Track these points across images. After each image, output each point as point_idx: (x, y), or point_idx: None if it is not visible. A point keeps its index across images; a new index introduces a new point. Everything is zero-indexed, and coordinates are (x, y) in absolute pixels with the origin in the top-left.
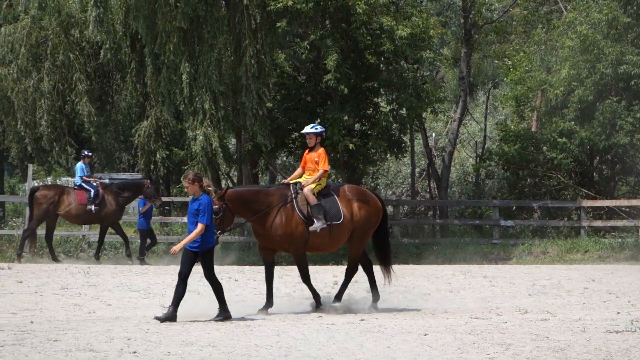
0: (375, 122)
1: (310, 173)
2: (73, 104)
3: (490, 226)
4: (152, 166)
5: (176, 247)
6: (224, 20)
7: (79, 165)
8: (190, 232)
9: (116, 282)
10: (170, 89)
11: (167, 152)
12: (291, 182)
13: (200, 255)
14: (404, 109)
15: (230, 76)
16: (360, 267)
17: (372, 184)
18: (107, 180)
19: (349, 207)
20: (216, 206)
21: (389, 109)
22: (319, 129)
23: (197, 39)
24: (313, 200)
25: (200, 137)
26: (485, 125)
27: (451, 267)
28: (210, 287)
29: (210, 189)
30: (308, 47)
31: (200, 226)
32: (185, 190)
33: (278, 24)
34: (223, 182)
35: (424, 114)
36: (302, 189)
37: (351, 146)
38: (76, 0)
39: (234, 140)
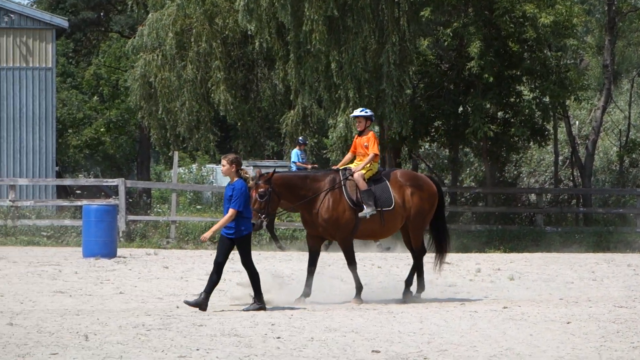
0: (518, 110)
1: (360, 158)
2: (210, 92)
3: (634, 215)
4: None
5: (206, 234)
6: (368, 9)
7: (295, 151)
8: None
9: (260, 268)
10: (315, 77)
11: (315, 140)
12: (340, 167)
13: (237, 242)
14: (547, 97)
15: (373, 64)
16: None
17: (515, 172)
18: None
19: (400, 192)
20: (262, 189)
21: (531, 97)
22: (369, 112)
23: (342, 27)
24: (363, 185)
25: (341, 125)
26: (630, 113)
27: (594, 256)
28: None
29: (247, 175)
30: (451, 34)
31: (230, 212)
32: (221, 171)
33: (422, 12)
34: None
35: (567, 102)
36: (351, 175)
37: (490, 133)
38: None
39: (376, 128)
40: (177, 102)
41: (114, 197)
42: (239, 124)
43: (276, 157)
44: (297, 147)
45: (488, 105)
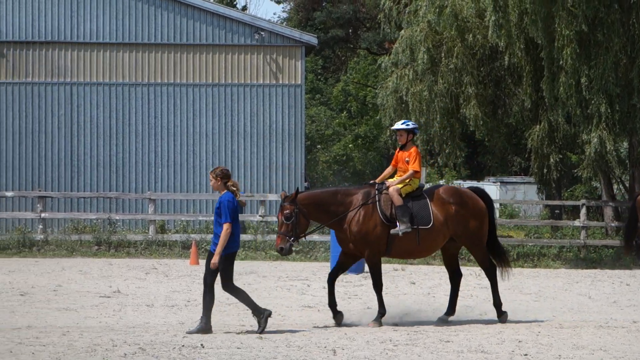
0: None
1: (400, 174)
2: (462, 107)
3: None
4: (545, 170)
5: (215, 259)
6: (618, 23)
7: None
8: (215, 233)
9: (508, 285)
10: (567, 93)
11: (560, 156)
12: (377, 181)
13: (220, 259)
14: None
15: (624, 79)
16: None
17: None
18: None
19: (443, 210)
20: (287, 210)
21: None
22: (411, 125)
23: (592, 42)
24: (398, 200)
25: (595, 140)
26: None
27: None
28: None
29: (234, 189)
30: None
31: (224, 227)
32: (211, 185)
33: None
34: (615, 187)
35: None
36: (386, 188)
37: None
38: (472, 6)
39: (625, 144)
40: (428, 116)
41: None
42: (487, 140)
43: (523, 172)
44: None
45: None
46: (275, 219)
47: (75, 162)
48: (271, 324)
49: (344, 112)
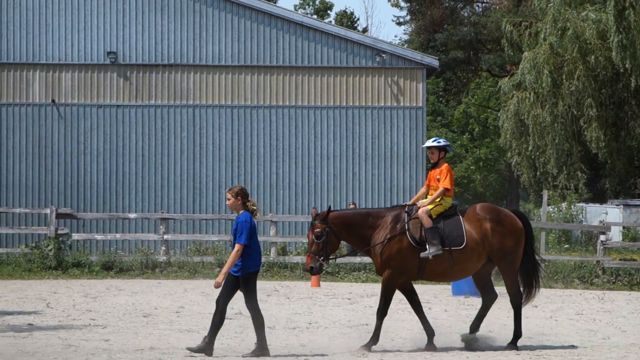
0: None
1: (432, 192)
2: (583, 130)
3: None
4: None
5: (219, 278)
6: None
7: None
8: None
9: (631, 309)
10: None
11: None
12: (410, 203)
13: (242, 280)
14: None
15: None
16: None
17: None
18: None
19: (478, 228)
20: (318, 229)
21: None
22: (442, 142)
23: None
24: (428, 222)
25: None
26: None
27: None
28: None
29: (254, 208)
30: None
31: (236, 247)
32: (228, 205)
33: None
34: None
35: None
36: (417, 211)
37: None
38: (594, 27)
39: None
40: (548, 139)
41: None
42: (609, 162)
43: None
44: None
45: None
46: None
47: (197, 184)
48: (392, 345)
49: (465, 135)
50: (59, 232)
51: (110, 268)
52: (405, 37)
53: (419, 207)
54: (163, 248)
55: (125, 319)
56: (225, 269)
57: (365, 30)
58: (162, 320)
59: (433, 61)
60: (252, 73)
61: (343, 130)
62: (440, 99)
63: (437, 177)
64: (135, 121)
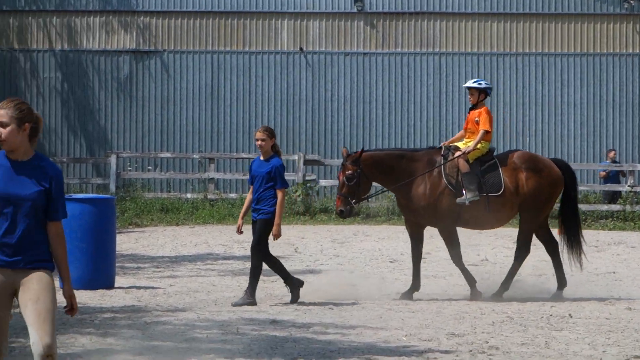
0: None
1: (469, 135)
2: None
3: None
4: None
5: (276, 230)
6: None
7: None
8: (258, 199)
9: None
10: None
11: None
12: (444, 145)
13: (260, 223)
14: None
15: None
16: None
17: None
18: None
19: (514, 176)
20: (350, 171)
21: None
22: (484, 84)
23: None
24: (464, 167)
25: None
26: None
27: None
28: None
29: (281, 150)
30: None
31: (280, 193)
32: (257, 145)
33: None
34: None
35: None
36: (453, 154)
37: None
38: None
39: None
40: None
41: None
42: None
43: None
44: None
45: None
46: None
47: (443, 131)
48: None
49: None
50: (307, 178)
51: (357, 214)
52: None
53: (455, 151)
54: None
55: (372, 265)
56: (278, 220)
57: None
58: (408, 267)
59: None
60: (497, 20)
61: (590, 77)
62: None
63: (476, 119)
64: (382, 69)
